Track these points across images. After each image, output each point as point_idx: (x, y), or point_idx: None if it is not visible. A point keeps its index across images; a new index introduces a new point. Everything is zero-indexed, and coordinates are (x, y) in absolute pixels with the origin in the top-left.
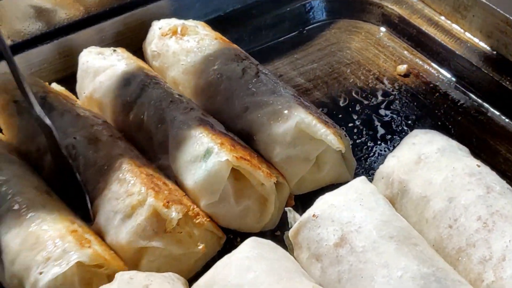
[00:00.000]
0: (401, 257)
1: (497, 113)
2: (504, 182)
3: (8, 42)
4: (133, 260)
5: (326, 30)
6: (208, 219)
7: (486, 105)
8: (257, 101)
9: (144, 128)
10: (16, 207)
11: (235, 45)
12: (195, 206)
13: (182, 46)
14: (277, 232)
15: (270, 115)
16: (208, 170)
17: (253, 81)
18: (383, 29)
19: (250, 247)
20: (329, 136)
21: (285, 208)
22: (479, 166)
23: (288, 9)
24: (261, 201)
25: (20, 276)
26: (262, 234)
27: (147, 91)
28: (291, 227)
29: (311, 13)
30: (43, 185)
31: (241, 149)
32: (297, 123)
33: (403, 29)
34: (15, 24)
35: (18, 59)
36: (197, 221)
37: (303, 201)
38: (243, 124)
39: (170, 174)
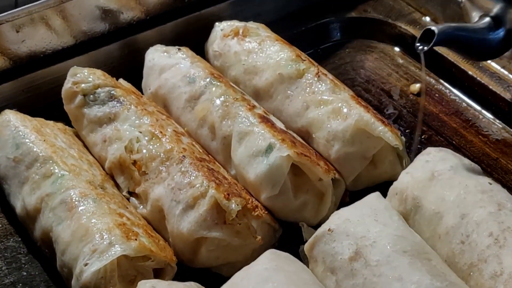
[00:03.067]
0: (414, 271)
1: (510, 131)
2: None
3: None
4: (192, 249)
5: (340, 49)
6: (266, 212)
7: (498, 124)
8: (318, 99)
9: (208, 124)
10: (68, 200)
11: (295, 47)
12: (253, 199)
13: (243, 46)
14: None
15: (330, 113)
16: (270, 164)
17: (314, 80)
18: (397, 49)
19: (269, 259)
20: (387, 133)
21: (299, 223)
22: (490, 183)
23: (303, 28)
24: (318, 196)
25: (70, 266)
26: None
27: (211, 89)
28: (306, 241)
29: (326, 33)
30: (97, 179)
31: (300, 146)
32: (356, 120)
33: None
34: (81, 25)
35: (85, 58)
36: (256, 214)
37: (358, 198)
38: (303, 122)
39: (229, 169)
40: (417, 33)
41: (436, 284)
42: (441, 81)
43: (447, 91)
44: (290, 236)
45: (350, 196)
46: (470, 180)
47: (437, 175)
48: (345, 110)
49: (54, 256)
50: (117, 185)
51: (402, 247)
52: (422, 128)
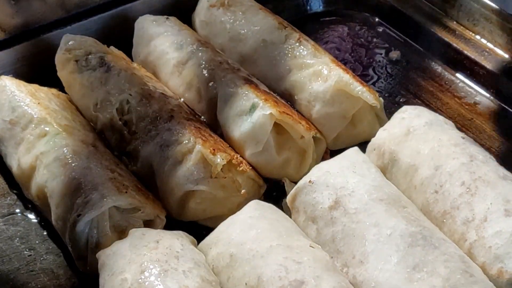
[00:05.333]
0: (390, 217)
1: (483, 93)
2: (487, 152)
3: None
4: (181, 202)
5: (323, 20)
6: (250, 168)
7: (473, 87)
8: (300, 63)
9: (195, 87)
10: (62, 157)
11: (277, 15)
12: (238, 156)
13: (228, 15)
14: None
15: (311, 75)
16: (253, 123)
17: (295, 45)
18: (376, 18)
19: (253, 208)
20: (365, 93)
21: (282, 179)
22: (463, 137)
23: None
24: (300, 153)
25: (64, 219)
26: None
27: (197, 54)
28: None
29: (308, 4)
30: (90, 139)
31: (283, 105)
32: (336, 81)
33: (395, 19)
34: None
35: (77, 27)
36: (240, 169)
37: None
38: (286, 85)
39: (215, 129)
40: (397, 3)
41: (411, 228)
42: (419, 47)
43: (425, 57)
44: (273, 193)
45: (331, 155)
46: (443, 135)
47: (413, 130)
48: (325, 72)
49: (49, 211)
50: (108, 146)
51: (379, 195)
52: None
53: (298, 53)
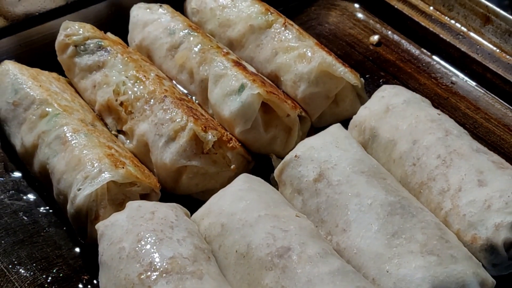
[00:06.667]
0: (371, 188)
1: (458, 74)
2: (461, 127)
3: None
4: (174, 177)
5: (307, 7)
6: (239, 144)
7: (448, 68)
8: (285, 46)
9: (187, 69)
10: (62, 135)
11: (264, 2)
12: (228, 133)
13: (218, 3)
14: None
15: (296, 57)
16: (242, 102)
17: (281, 30)
18: (356, 5)
19: (243, 181)
20: (347, 73)
21: (269, 154)
22: (439, 114)
23: None
24: (286, 130)
25: (65, 193)
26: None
27: (189, 39)
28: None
29: None
30: (88, 118)
31: (269, 86)
32: (319, 63)
33: (375, 5)
34: None
35: (76, 15)
36: (230, 145)
37: None
38: (272, 66)
39: (206, 109)
40: None
41: (390, 198)
42: (397, 32)
43: (403, 41)
44: (261, 170)
45: (315, 133)
46: (421, 111)
47: (392, 108)
48: (309, 54)
49: (51, 186)
50: (106, 126)
51: (360, 168)
52: (380, 73)
53: (283, 37)
